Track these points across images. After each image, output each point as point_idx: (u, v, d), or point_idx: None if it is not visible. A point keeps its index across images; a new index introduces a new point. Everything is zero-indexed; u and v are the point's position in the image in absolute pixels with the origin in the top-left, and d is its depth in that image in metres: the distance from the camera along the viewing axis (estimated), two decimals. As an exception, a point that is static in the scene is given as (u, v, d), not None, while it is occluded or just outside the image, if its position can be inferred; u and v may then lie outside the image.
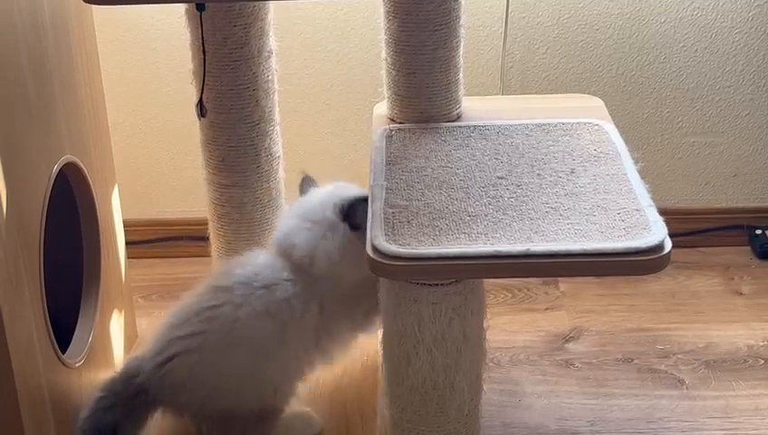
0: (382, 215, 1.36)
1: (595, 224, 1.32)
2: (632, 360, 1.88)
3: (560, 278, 2.13)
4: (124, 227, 1.87)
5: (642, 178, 1.43)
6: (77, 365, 1.57)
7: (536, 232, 1.31)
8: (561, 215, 1.35)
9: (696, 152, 2.20)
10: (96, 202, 1.67)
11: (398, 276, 1.29)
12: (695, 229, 2.22)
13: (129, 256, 1.90)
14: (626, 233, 1.30)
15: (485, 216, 1.35)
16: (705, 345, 1.91)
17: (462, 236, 1.31)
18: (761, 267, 2.15)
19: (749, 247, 2.20)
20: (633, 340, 1.93)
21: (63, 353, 1.54)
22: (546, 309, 2.04)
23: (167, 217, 2.24)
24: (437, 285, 1.30)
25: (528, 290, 2.10)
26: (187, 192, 2.20)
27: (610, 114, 1.67)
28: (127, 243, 1.89)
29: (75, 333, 1.62)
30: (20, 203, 1.39)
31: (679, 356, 1.88)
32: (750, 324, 1.97)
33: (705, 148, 2.19)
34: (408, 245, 1.28)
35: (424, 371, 1.33)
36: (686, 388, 1.79)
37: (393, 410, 1.39)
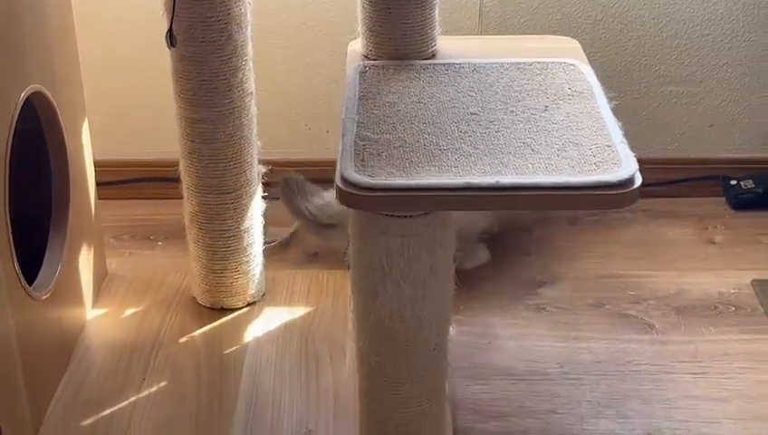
0: (353, 147, 1.34)
1: (566, 159, 1.31)
2: (603, 305, 1.88)
3: (534, 223, 2.12)
4: (96, 167, 1.85)
5: (616, 117, 1.42)
6: (43, 298, 1.56)
7: (507, 166, 1.29)
8: (532, 150, 1.34)
9: (672, 102, 2.19)
10: (65, 134, 1.64)
11: (367, 207, 1.28)
12: (670, 179, 2.21)
13: (100, 197, 1.88)
14: (597, 168, 1.29)
15: (457, 150, 1.34)
16: (677, 292, 1.91)
17: (432, 168, 1.29)
18: (735, 217, 2.15)
19: (724, 198, 2.20)
20: (605, 286, 1.93)
21: (30, 286, 1.52)
22: (521, 255, 2.04)
23: (139, 157, 2.22)
24: (406, 217, 1.28)
25: (501, 237, 2.09)
26: (160, 133, 2.17)
27: (588, 62, 1.65)
28: (99, 183, 1.87)
29: (42, 266, 1.61)
30: (-16, 129, 1.37)
31: (650, 302, 1.88)
32: (722, 272, 1.97)
33: (683, 97, 2.19)
34: (378, 176, 1.27)
35: (391, 303, 1.32)
36: (656, 333, 1.80)
37: (360, 343, 1.38)
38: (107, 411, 1.58)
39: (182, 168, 1.75)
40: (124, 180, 2.23)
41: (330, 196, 1.96)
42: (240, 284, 1.81)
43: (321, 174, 2.22)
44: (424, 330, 1.35)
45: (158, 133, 2.17)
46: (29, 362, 1.49)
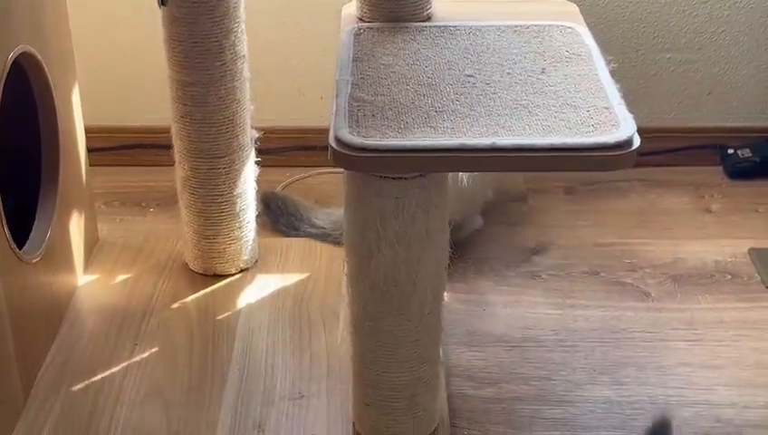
0: (346, 108, 1.32)
1: (564, 121, 1.29)
2: (599, 273, 1.87)
3: (529, 193, 2.11)
4: (87, 133, 1.82)
5: (613, 79, 1.40)
6: (34, 261, 1.54)
7: (503, 127, 1.27)
8: (529, 111, 1.32)
9: (670, 69, 2.17)
10: (54, 95, 1.61)
11: (362, 169, 1.26)
12: (666, 148, 2.19)
13: (91, 164, 1.85)
14: (594, 129, 1.27)
15: (452, 111, 1.32)
16: (673, 260, 1.90)
17: (428, 129, 1.27)
18: (732, 186, 2.13)
19: (721, 167, 2.18)
20: (600, 254, 1.92)
21: (20, 250, 1.50)
22: (514, 224, 2.02)
23: (130, 124, 2.19)
24: (401, 178, 1.27)
25: (495, 205, 2.07)
26: (151, 99, 2.14)
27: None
28: (89, 150, 1.84)
29: (33, 229, 1.58)
30: (-28, 89, 1.34)
31: (646, 270, 1.87)
32: (718, 241, 1.96)
33: (681, 65, 2.16)
34: (373, 137, 1.25)
35: (385, 267, 1.31)
36: (652, 300, 1.79)
37: (354, 307, 1.37)
38: (98, 377, 1.56)
39: (174, 132, 1.72)
40: (115, 147, 2.21)
41: (332, 211, 1.96)
42: (233, 250, 1.79)
43: (313, 141, 2.22)
44: (418, 293, 1.33)
45: (150, 99, 2.14)
46: (19, 327, 1.48)
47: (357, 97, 1.35)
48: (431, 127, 1.28)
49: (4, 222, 1.43)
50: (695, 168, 2.19)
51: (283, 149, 2.19)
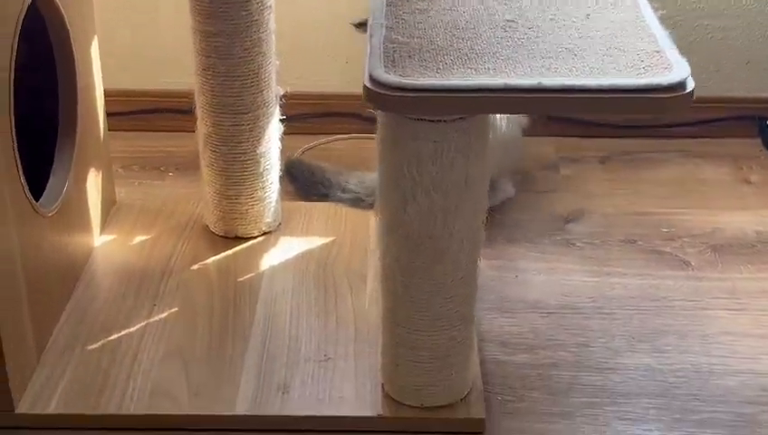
0: (381, 49, 1.24)
1: (612, 63, 1.22)
2: (635, 241, 1.79)
3: (561, 161, 2.03)
4: (106, 97, 1.76)
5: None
6: (49, 215, 1.47)
7: (548, 69, 1.20)
8: (575, 55, 1.24)
9: (708, 36, 2.09)
10: (72, 42, 1.55)
11: (399, 110, 1.19)
12: (704, 119, 2.11)
13: (109, 129, 1.79)
14: (646, 71, 1.19)
15: (493, 54, 1.24)
16: (712, 230, 1.82)
17: (468, 70, 1.20)
18: (771, 158, 2.06)
19: (759, 139, 2.10)
20: (637, 222, 1.84)
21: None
22: (546, 192, 1.95)
23: (149, 87, 2.13)
24: (440, 121, 1.20)
25: (526, 173, 2.00)
26: (171, 62, 2.08)
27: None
28: (108, 114, 1.78)
29: (49, 181, 1.52)
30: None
31: (685, 239, 1.79)
32: (759, 212, 1.88)
33: (719, 32, 2.08)
34: (410, 76, 1.18)
35: (421, 216, 1.24)
36: (692, 269, 1.71)
37: (386, 261, 1.30)
38: (114, 336, 1.49)
39: (196, 86, 1.65)
40: (133, 111, 2.14)
41: (363, 175, 1.89)
42: (255, 211, 1.72)
43: (336, 107, 2.14)
44: (455, 246, 1.26)
45: (170, 62, 2.08)
46: (33, 283, 1.41)
47: (392, 39, 1.28)
48: (471, 68, 1.21)
49: (21, 172, 1.37)
50: (732, 139, 2.10)
51: (305, 115, 2.11)
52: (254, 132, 1.66)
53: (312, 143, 2.06)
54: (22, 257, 1.37)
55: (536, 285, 1.67)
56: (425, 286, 1.28)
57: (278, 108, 1.69)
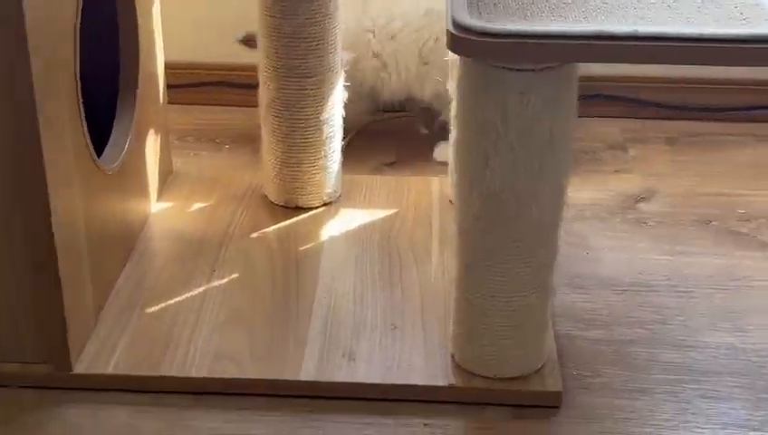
0: (464, -2, 1.19)
1: (709, 15, 1.15)
2: (710, 222, 1.72)
3: (628, 142, 1.97)
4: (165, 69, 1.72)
5: None
6: (110, 172, 1.43)
7: (642, 18, 1.14)
8: (668, 6, 1.18)
9: (784, 16, 2.01)
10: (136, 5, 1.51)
11: (484, 56, 1.13)
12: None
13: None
14: (746, 22, 1.13)
15: (583, 3, 1.18)
16: (791, 212, 1.75)
17: (558, 18, 1.14)
18: None
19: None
20: (710, 203, 1.77)
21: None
22: (615, 171, 1.88)
23: (206, 60, 2.08)
24: (527, 70, 1.14)
25: (593, 153, 1.94)
26: (228, 36, 2.03)
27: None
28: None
29: (111, 138, 1.47)
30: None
31: (762, 220, 1.72)
32: (838, 194, 1.80)
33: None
34: (497, 22, 1.12)
35: (503, 172, 1.18)
36: (772, 250, 1.64)
37: (463, 221, 1.24)
38: (174, 300, 1.44)
39: (261, 48, 1.60)
40: (190, 84, 2.09)
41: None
42: (317, 180, 1.67)
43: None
44: (538, 205, 1.20)
45: (227, 36, 2.03)
46: (94, 240, 1.36)
47: (474, -11, 1.23)
48: (561, 16, 1.15)
49: (85, 128, 1.33)
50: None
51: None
52: (318, 98, 1.61)
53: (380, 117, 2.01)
54: (84, 213, 1.33)
55: (608, 263, 1.60)
56: (504, 248, 1.22)
57: (343, 73, 1.64)
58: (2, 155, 1.20)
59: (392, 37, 1.83)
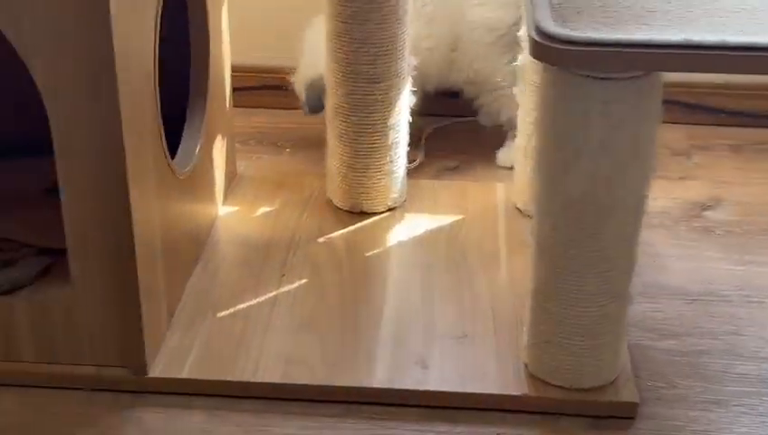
0: (547, 4, 1.18)
1: (797, 24, 1.14)
2: (779, 231, 1.70)
3: (692, 149, 1.95)
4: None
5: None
6: (182, 176, 1.43)
7: (728, 26, 1.13)
8: (755, 17, 1.16)
9: None
10: (208, 8, 1.52)
11: (569, 64, 1.12)
12: None
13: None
14: (837, 32, 1.11)
15: (666, 11, 1.17)
16: None
17: (643, 27, 1.13)
18: None
19: None
20: (780, 212, 1.75)
21: (169, 162, 1.40)
22: (680, 178, 1.86)
23: (271, 63, 2.08)
24: (611, 79, 1.13)
25: (658, 159, 1.91)
26: (286, 39, 2.03)
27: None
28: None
29: (181, 142, 1.48)
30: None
31: (836, 231, 1.70)
32: None
33: None
34: (582, 30, 1.12)
35: (584, 182, 1.17)
36: None
37: (541, 230, 1.23)
38: (244, 305, 1.45)
39: (329, 52, 1.60)
40: (251, 87, 2.10)
41: None
42: (382, 185, 1.66)
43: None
44: (618, 214, 1.19)
45: (288, 38, 2.03)
46: (167, 244, 1.37)
47: (555, -4, 1.22)
48: (645, 24, 1.14)
49: (162, 131, 1.33)
50: None
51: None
52: (386, 103, 1.61)
53: (442, 123, 2.00)
54: (160, 218, 1.34)
55: (677, 271, 1.59)
56: (583, 258, 1.21)
57: (410, 79, 1.64)
58: (86, 162, 1.21)
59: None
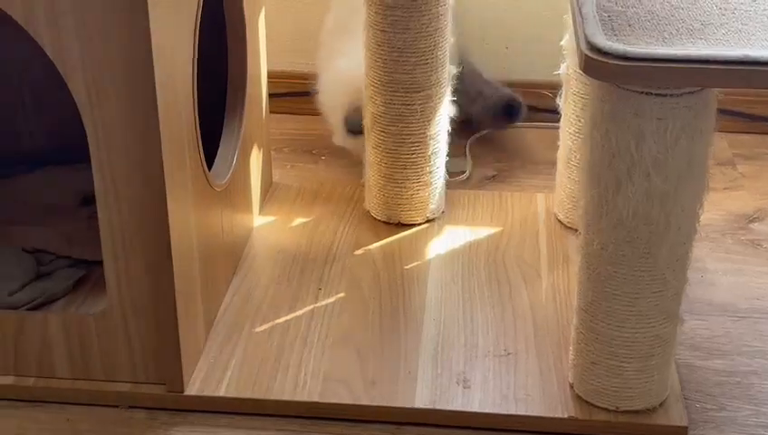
0: (596, 17, 1.14)
1: None
2: (829, 245, 1.65)
3: (736, 158, 1.90)
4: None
5: None
6: (219, 189, 1.41)
7: (788, 41, 1.09)
8: (812, 28, 1.13)
9: None
10: (246, 21, 1.49)
11: (623, 80, 1.09)
12: None
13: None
14: None
15: (721, 25, 1.13)
16: None
17: (698, 41, 1.09)
18: None
19: None
20: (829, 226, 1.70)
21: (206, 175, 1.38)
22: (725, 189, 1.82)
23: (303, 69, 2.06)
24: (666, 95, 1.09)
25: (701, 170, 1.87)
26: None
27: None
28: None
29: (219, 152, 1.46)
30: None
31: None
32: None
33: None
34: (635, 45, 1.08)
35: (636, 199, 1.13)
36: None
37: (590, 249, 1.19)
38: (282, 319, 1.42)
39: (367, 62, 1.58)
40: (283, 93, 2.07)
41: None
42: (421, 196, 1.63)
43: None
44: (671, 233, 1.15)
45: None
46: (204, 258, 1.35)
47: (605, 7, 1.17)
48: (701, 39, 1.10)
49: (200, 143, 1.31)
50: None
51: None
52: (426, 113, 1.58)
53: (479, 133, 1.96)
54: (197, 231, 1.31)
55: (724, 287, 1.54)
56: (633, 278, 1.17)
57: (450, 88, 1.61)
58: (124, 175, 1.18)
59: None
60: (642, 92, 1.09)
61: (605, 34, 1.10)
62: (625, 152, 1.11)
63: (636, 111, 1.10)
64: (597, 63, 1.07)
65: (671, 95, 1.09)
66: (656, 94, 1.09)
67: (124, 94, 1.14)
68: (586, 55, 1.08)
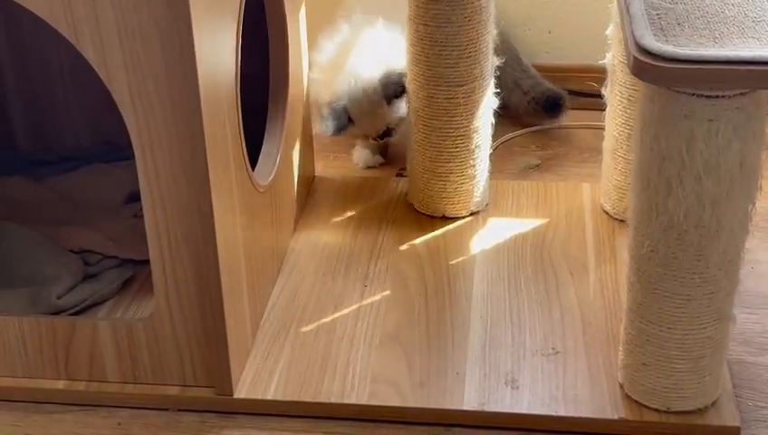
0: (645, 16, 1.12)
1: None
2: None
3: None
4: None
5: None
6: (262, 190, 1.41)
7: (844, 39, 1.06)
8: None
9: None
10: (287, 20, 1.48)
11: (673, 83, 1.06)
12: None
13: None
14: None
15: (774, 21, 1.11)
16: None
17: (750, 40, 1.07)
18: None
19: None
20: None
21: (250, 175, 1.37)
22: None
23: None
24: (717, 97, 1.07)
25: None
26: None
27: None
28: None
29: (262, 152, 1.45)
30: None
31: None
32: None
33: None
34: (686, 46, 1.05)
35: (687, 203, 1.11)
36: None
37: (641, 250, 1.18)
38: (328, 318, 1.42)
39: (410, 56, 1.56)
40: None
41: None
42: (465, 189, 1.62)
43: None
44: (723, 236, 1.13)
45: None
46: (250, 259, 1.35)
47: (654, 5, 1.15)
48: (753, 38, 1.07)
49: (244, 145, 1.31)
50: None
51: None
52: (469, 106, 1.56)
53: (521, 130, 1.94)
54: (242, 229, 1.32)
55: (775, 279, 1.52)
56: (685, 280, 1.16)
57: (493, 81, 1.59)
58: (169, 176, 1.18)
59: None
60: (693, 94, 1.07)
61: (654, 35, 1.07)
62: (676, 155, 1.09)
63: (687, 114, 1.08)
64: (646, 66, 1.05)
65: (722, 97, 1.07)
66: (707, 96, 1.07)
67: (167, 97, 1.14)
68: (635, 57, 1.06)
